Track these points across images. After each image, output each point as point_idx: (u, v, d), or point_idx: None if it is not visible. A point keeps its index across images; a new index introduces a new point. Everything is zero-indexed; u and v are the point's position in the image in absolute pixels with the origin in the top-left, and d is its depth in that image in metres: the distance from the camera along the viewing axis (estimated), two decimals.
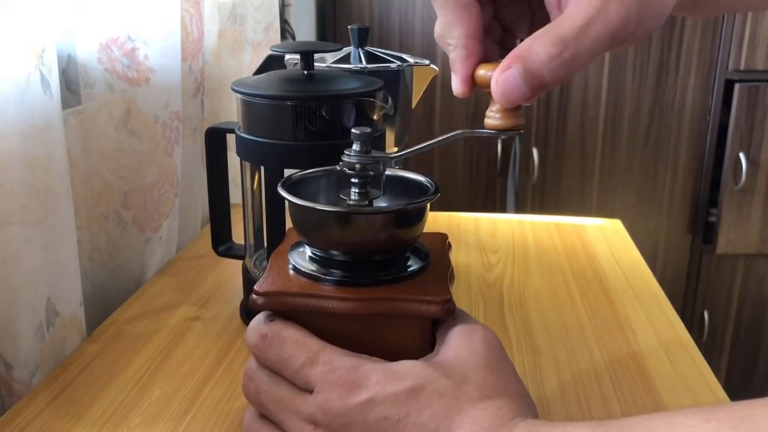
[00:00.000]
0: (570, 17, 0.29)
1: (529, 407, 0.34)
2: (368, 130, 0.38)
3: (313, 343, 0.35)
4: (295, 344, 0.35)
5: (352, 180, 0.39)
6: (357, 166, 0.38)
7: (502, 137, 0.33)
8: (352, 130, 0.38)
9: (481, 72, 0.33)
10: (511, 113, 0.32)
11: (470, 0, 0.31)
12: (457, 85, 0.33)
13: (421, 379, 0.33)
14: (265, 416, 0.37)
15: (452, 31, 0.32)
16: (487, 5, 0.33)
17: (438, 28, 0.33)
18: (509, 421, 0.31)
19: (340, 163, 0.39)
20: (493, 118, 0.33)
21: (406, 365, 0.34)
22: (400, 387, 0.33)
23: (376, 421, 0.32)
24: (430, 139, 0.38)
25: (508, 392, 0.33)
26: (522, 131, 0.33)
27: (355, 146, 0.38)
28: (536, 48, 0.29)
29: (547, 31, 0.29)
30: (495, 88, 0.31)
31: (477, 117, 1.57)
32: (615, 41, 0.29)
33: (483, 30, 0.32)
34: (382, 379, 0.33)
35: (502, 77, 0.30)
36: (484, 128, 0.34)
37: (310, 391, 0.34)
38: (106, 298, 0.67)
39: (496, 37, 0.34)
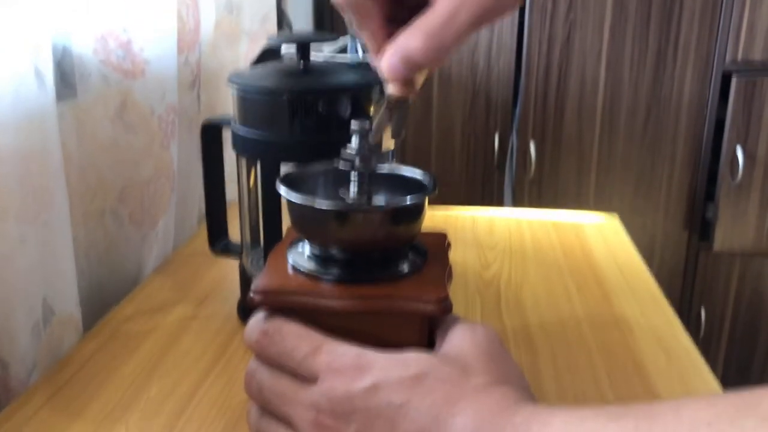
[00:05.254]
0: (436, 12, 0.35)
1: (530, 395, 0.34)
2: (367, 123, 0.38)
3: (315, 335, 0.36)
4: (298, 337, 0.36)
5: (351, 177, 0.39)
6: (355, 162, 0.38)
7: (403, 103, 0.39)
8: (351, 124, 0.38)
9: None
10: (406, 84, 0.39)
11: (371, 5, 0.38)
12: (375, 62, 0.40)
13: (425, 366, 0.33)
14: (268, 412, 0.37)
15: (364, 29, 0.39)
16: (385, 3, 0.39)
17: (353, 26, 0.40)
18: (512, 405, 0.31)
19: (338, 159, 0.38)
20: (391, 87, 0.39)
21: (410, 354, 0.34)
22: (404, 373, 0.33)
23: (378, 407, 0.32)
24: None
25: (511, 381, 0.34)
26: (413, 98, 0.39)
27: (354, 139, 0.38)
28: (409, 39, 0.36)
29: (418, 23, 0.36)
30: (382, 69, 0.38)
31: (474, 108, 1.56)
32: (479, 26, 0.35)
33: (386, 21, 0.39)
34: (386, 365, 0.33)
35: (385, 62, 0.37)
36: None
37: (314, 382, 0.34)
38: (103, 296, 0.67)
39: (404, 16, 0.40)
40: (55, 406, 0.47)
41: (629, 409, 0.29)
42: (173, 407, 0.47)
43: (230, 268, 0.69)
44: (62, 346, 0.54)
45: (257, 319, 0.38)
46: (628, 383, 0.51)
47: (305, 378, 0.35)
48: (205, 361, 0.53)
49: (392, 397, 0.32)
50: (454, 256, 0.75)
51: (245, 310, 0.59)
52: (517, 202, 1.60)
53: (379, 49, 0.39)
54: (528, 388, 0.35)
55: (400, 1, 0.39)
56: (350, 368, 0.33)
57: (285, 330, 0.36)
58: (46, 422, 0.45)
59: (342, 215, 0.37)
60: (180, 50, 0.72)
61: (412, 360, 0.34)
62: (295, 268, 0.39)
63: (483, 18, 0.35)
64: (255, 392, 0.37)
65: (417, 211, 0.38)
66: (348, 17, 0.39)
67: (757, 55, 1.47)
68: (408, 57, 0.36)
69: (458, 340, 0.36)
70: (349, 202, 0.39)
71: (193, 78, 0.78)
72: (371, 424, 0.32)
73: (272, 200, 0.53)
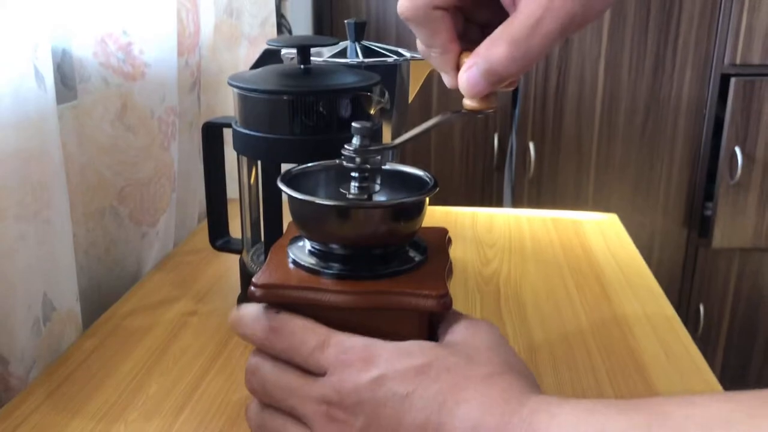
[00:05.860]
0: (520, 18, 0.32)
1: (535, 386, 0.34)
2: (368, 124, 0.38)
3: (322, 328, 0.36)
4: (304, 331, 0.36)
5: (352, 174, 0.39)
6: (357, 160, 0.38)
7: (479, 116, 0.37)
8: (353, 124, 0.38)
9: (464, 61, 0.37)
10: (485, 96, 0.36)
11: (439, 16, 0.35)
12: (451, 81, 0.37)
13: (430, 356, 0.34)
14: (270, 406, 0.37)
15: (434, 44, 0.36)
16: (457, 15, 0.37)
17: (421, 46, 0.37)
18: (518, 395, 0.32)
19: (340, 157, 0.39)
20: (469, 100, 0.37)
21: (415, 344, 0.34)
22: (409, 363, 0.33)
23: (385, 398, 0.33)
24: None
25: (515, 371, 0.34)
26: (493, 110, 0.37)
27: (355, 140, 0.38)
28: (492, 48, 0.33)
29: (501, 31, 0.33)
30: (461, 84, 0.35)
31: None
32: (565, 33, 0.33)
33: (458, 34, 0.36)
34: (392, 356, 0.34)
35: (464, 75, 0.35)
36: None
37: (323, 375, 0.35)
38: (103, 293, 0.67)
39: (475, 36, 0.38)
40: (54, 402, 0.47)
41: (639, 403, 0.29)
42: (173, 404, 0.47)
43: (230, 264, 0.69)
44: (62, 343, 0.54)
45: (258, 314, 0.37)
46: (628, 379, 0.51)
47: (312, 372, 0.35)
48: (205, 357, 0.53)
49: (397, 387, 0.33)
50: (454, 253, 0.76)
51: None
52: (516, 202, 1.60)
53: (451, 65, 0.36)
54: (533, 378, 0.35)
55: (470, 17, 0.37)
56: (358, 360, 0.34)
57: (292, 325, 0.36)
58: (46, 419, 0.46)
59: (343, 212, 0.37)
60: (180, 53, 0.72)
61: (417, 350, 0.34)
62: (296, 263, 0.39)
63: (569, 25, 0.32)
64: (257, 387, 0.37)
65: (417, 209, 0.39)
66: (416, 32, 0.37)
67: (755, 59, 1.47)
68: (491, 69, 0.33)
69: (462, 333, 0.36)
70: (350, 198, 0.39)
71: (193, 80, 0.78)
72: (378, 415, 0.33)
73: (273, 198, 0.53)
